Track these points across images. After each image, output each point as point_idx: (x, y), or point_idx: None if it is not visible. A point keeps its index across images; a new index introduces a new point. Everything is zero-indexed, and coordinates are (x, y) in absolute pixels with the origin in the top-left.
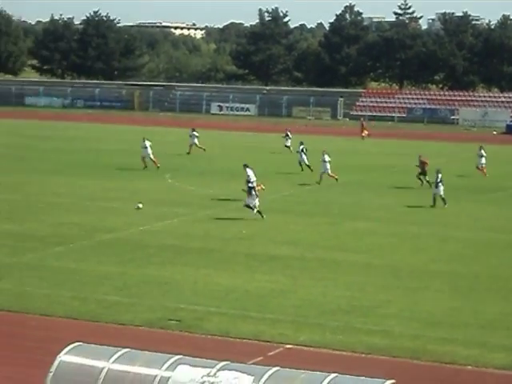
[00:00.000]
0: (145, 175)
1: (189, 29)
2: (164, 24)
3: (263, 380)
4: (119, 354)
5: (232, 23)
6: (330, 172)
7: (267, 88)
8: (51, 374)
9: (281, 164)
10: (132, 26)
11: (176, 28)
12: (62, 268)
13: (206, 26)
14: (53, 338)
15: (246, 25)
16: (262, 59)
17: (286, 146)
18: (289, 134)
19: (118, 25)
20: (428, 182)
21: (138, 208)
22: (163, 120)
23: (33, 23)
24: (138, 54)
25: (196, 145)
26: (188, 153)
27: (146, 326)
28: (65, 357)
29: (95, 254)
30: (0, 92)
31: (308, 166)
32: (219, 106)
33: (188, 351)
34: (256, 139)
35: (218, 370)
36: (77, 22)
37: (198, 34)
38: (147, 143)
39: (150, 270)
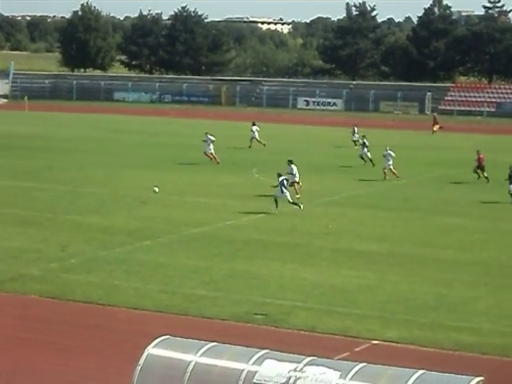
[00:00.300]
0: (232, 170)
1: (276, 24)
2: (251, 19)
3: (350, 376)
4: (206, 347)
5: (319, 18)
6: (392, 168)
7: (354, 83)
8: (139, 367)
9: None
10: (219, 22)
11: (263, 23)
12: (150, 262)
13: (293, 21)
14: (141, 331)
15: (333, 19)
16: (350, 54)
17: (352, 141)
18: (355, 129)
19: (206, 20)
20: (486, 177)
21: (155, 192)
22: (250, 115)
23: (121, 19)
24: (226, 49)
25: (256, 139)
26: (249, 147)
27: (233, 320)
28: (153, 350)
29: (183, 248)
30: (89, 87)
31: (370, 159)
32: (306, 100)
33: (274, 346)
34: (342, 134)
35: (305, 365)
36: (165, 17)
37: (285, 29)
38: (211, 138)
39: (236, 265)
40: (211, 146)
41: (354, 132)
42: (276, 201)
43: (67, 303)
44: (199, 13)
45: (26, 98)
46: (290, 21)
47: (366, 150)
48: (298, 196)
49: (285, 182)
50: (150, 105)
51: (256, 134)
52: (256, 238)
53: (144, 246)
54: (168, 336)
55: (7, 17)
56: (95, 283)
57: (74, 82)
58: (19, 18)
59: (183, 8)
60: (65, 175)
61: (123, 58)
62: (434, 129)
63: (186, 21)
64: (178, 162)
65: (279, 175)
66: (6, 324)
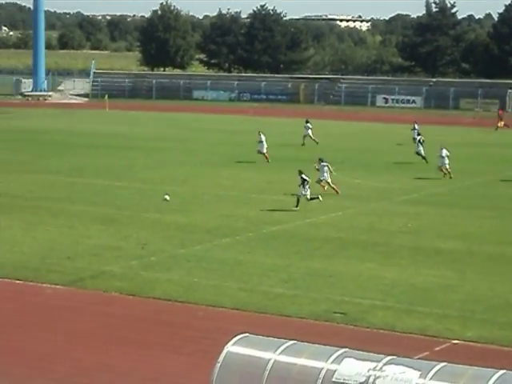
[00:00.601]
0: (309, 168)
1: (354, 21)
2: (330, 17)
3: (430, 375)
4: (285, 345)
5: (398, 15)
6: (447, 166)
7: (434, 80)
8: (219, 365)
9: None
10: (298, 20)
11: (342, 20)
12: (228, 259)
13: (372, 18)
14: (220, 329)
15: (412, 16)
16: (429, 51)
17: (413, 139)
18: (416, 126)
19: (285, 18)
20: None
21: (166, 200)
22: (328, 113)
23: (200, 18)
24: (304, 47)
25: (310, 136)
26: (303, 144)
27: (311, 319)
28: (232, 347)
29: (261, 246)
30: (169, 86)
31: (424, 157)
32: (385, 98)
33: (353, 344)
34: (421, 131)
35: (385, 364)
36: (244, 15)
37: (364, 26)
38: (263, 137)
39: (314, 263)
40: (265, 145)
41: (415, 128)
42: (298, 199)
43: (147, 300)
44: (278, 11)
45: (106, 96)
46: (369, 18)
47: (420, 147)
48: (322, 192)
49: (305, 178)
50: (228, 103)
51: (309, 131)
52: (334, 236)
53: (223, 243)
54: (247, 334)
55: (88, 16)
56: (174, 281)
57: (154, 80)
58: (100, 17)
59: (262, 6)
60: (145, 173)
61: (202, 56)
62: (499, 125)
63: (264, 19)
64: (256, 160)
65: (300, 172)
66: (88, 321)
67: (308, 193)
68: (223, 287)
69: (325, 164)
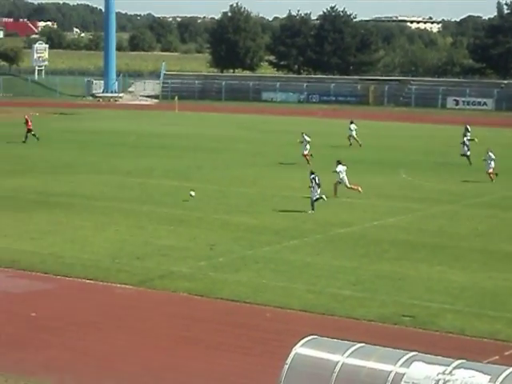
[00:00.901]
0: (379, 170)
1: (425, 22)
2: (400, 18)
3: (500, 380)
4: (354, 348)
5: (469, 16)
6: (492, 170)
7: (505, 82)
8: (287, 366)
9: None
10: (368, 21)
11: (412, 22)
12: (297, 261)
13: (443, 20)
14: (288, 330)
15: (483, 18)
16: (501, 52)
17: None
18: (468, 127)
19: (355, 20)
20: None
21: (191, 196)
22: (398, 115)
23: (270, 19)
24: (374, 48)
25: (354, 137)
26: (350, 145)
27: (379, 321)
28: (300, 349)
29: (329, 248)
30: (238, 87)
31: (467, 156)
32: (455, 100)
33: (422, 348)
34: (492, 134)
35: (454, 368)
36: (314, 17)
37: (435, 28)
38: (307, 139)
39: (383, 265)
40: (307, 147)
41: (467, 131)
42: (312, 203)
43: (215, 301)
44: (348, 12)
45: (176, 98)
46: (440, 19)
47: (466, 148)
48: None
49: (316, 178)
50: (297, 105)
51: (354, 132)
52: (403, 238)
53: (291, 245)
54: (315, 336)
55: (158, 18)
56: (243, 282)
57: (223, 82)
58: (170, 19)
59: (332, 8)
60: (214, 175)
61: (271, 58)
62: None
63: (334, 21)
64: (325, 161)
65: (311, 173)
66: (156, 321)
67: (317, 193)
68: (291, 289)
69: (343, 167)
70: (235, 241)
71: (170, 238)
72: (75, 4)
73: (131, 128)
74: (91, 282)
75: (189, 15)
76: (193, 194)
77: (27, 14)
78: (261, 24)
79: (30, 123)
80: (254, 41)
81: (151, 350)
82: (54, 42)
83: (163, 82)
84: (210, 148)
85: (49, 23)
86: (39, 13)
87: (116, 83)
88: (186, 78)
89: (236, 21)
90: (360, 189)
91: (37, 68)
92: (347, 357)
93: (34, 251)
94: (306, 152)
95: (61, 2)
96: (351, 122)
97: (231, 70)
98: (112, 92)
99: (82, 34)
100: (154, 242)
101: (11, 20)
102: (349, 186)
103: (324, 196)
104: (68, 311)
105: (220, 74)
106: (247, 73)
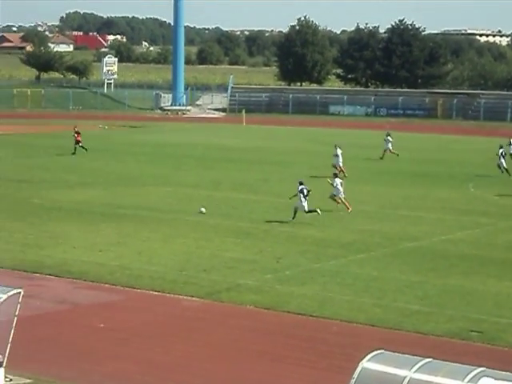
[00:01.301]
0: (448, 184)
1: (494, 36)
2: (469, 31)
3: None
4: (421, 363)
5: None
6: None
7: None
8: (353, 381)
9: None
10: (437, 34)
11: (481, 35)
12: (363, 275)
13: None
14: (354, 344)
15: None
16: None
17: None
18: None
19: (423, 33)
20: None
21: (202, 212)
22: (466, 128)
23: (338, 32)
24: (443, 61)
25: (390, 150)
26: (381, 158)
27: (447, 337)
28: (367, 364)
29: (396, 263)
30: (305, 100)
31: (506, 169)
32: None
33: (490, 363)
34: None
35: None
36: (382, 30)
37: (504, 41)
38: (339, 151)
39: (451, 280)
40: (340, 159)
41: (510, 144)
42: (295, 211)
43: (281, 314)
44: (416, 25)
45: (243, 111)
46: (509, 33)
47: (502, 160)
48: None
49: (304, 191)
50: (364, 118)
51: (389, 144)
52: (472, 253)
53: (357, 259)
54: (382, 350)
55: (226, 31)
56: (309, 295)
57: (290, 95)
58: (238, 32)
59: (400, 21)
60: (280, 187)
61: (339, 71)
62: None
63: (402, 34)
64: (393, 175)
65: (300, 183)
66: (223, 333)
67: (306, 204)
68: (358, 303)
69: (340, 180)
70: (301, 254)
71: (237, 251)
72: (144, 18)
73: (198, 141)
74: (158, 293)
75: (256, 29)
76: (203, 210)
77: (97, 27)
78: (328, 37)
79: (78, 135)
80: (322, 54)
81: (217, 362)
82: (123, 55)
83: (231, 96)
84: (276, 161)
85: (118, 37)
86: (109, 26)
87: (184, 96)
88: (254, 92)
89: (304, 34)
90: (350, 207)
91: (106, 81)
92: (414, 372)
93: (102, 263)
94: (340, 164)
95: (130, 16)
96: (387, 135)
97: (298, 84)
98: (180, 105)
99: (151, 48)
100: (220, 255)
101: (81, 33)
102: (343, 200)
103: (319, 210)
104: (135, 323)
105: (287, 87)
106: (314, 86)
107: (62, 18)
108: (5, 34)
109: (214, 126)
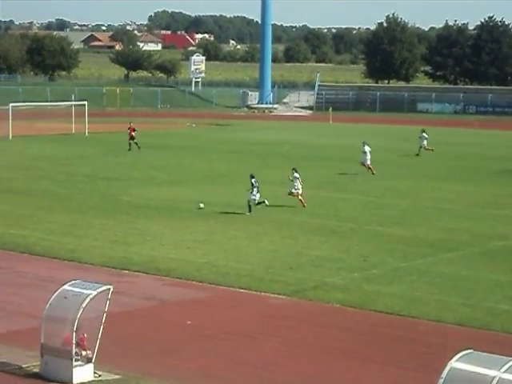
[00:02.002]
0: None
1: None
2: None
3: None
4: (511, 363)
5: None
6: None
7: None
8: (442, 380)
9: None
10: None
11: None
12: (451, 274)
13: None
14: (442, 344)
15: None
16: None
17: None
18: None
19: None
20: None
21: (200, 208)
22: None
23: (426, 29)
24: None
25: (424, 147)
26: (417, 154)
27: None
28: (456, 363)
29: (486, 262)
30: (393, 98)
31: None
32: None
33: None
34: None
35: None
36: (471, 27)
37: None
38: (367, 148)
39: None
40: (368, 156)
41: None
42: (250, 204)
43: (369, 313)
44: (506, 22)
45: (330, 109)
46: None
47: None
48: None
49: (256, 183)
50: (453, 116)
51: (425, 141)
52: None
53: (445, 258)
54: (471, 350)
55: (314, 29)
56: (396, 294)
57: (378, 93)
58: (325, 30)
59: (490, 18)
60: (367, 185)
61: (427, 68)
62: None
63: (492, 30)
64: (481, 173)
65: (252, 177)
66: (309, 332)
67: (257, 197)
68: (446, 302)
69: (297, 176)
70: (389, 252)
71: (323, 249)
72: (232, 16)
73: (285, 139)
74: (245, 291)
75: (344, 26)
76: (202, 205)
77: (185, 26)
78: (417, 34)
79: (133, 131)
80: (410, 51)
81: (304, 360)
82: (211, 53)
83: (317, 93)
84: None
85: (206, 35)
86: (196, 25)
87: (271, 94)
88: (341, 89)
89: (392, 31)
90: (305, 204)
91: (194, 80)
92: (504, 372)
93: (190, 260)
94: (367, 162)
95: (218, 15)
96: (422, 131)
97: (386, 81)
98: (267, 103)
99: (238, 46)
100: (306, 253)
101: (169, 32)
102: (300, 195)
103: (266, 200)
104: (222, 320)
105: (375, 84)
106: (402, 83)
107: (151, 17)
108: (94, 33)
109: (301, 124)
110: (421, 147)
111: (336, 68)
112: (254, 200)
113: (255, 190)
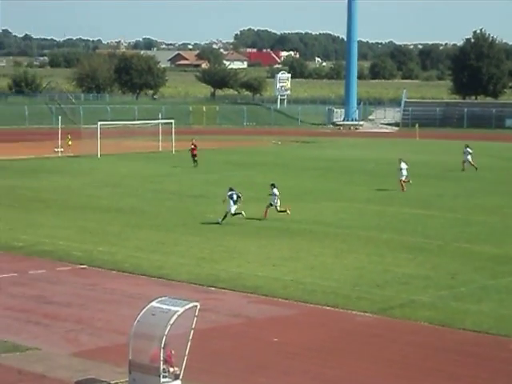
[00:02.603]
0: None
1: None
2: None
3: None
4: None
5: None
6: None
7: None
8: None
9: None
10: None
11: None
12: None
13: None
14: None
15: None
16: None
17: None
18: None
19: None
20: None
21: (240, 215)
22: None
23: None
24: None
25: (469, 162)
26: (462, 170)
27: None
28: None
29: None
30: (480, 114)
31: None
32: None
33: None
34: None
35: None
36: None
37: None
38: (403, 165)
39: None
40: (404, 173)
41: None
42: (226, 214)
43: (456, 331)
44: None
45: (416, 125)
46: None
47: None
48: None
49: (234, 196)
50: None
51: (469, 156)
52: None
53: None
54: None
55: (400, 46)
56: (485, 312)
57: (465, 109)
58: (411, 46)
59: None
60: (455, 203)
61: None
62: None
63: None
64: None
65: (230, 189)
66: (397, 350)
67: (233, 208)
68: None
69: (276, 192)
70: (477, 270)
71: (410, 267)
72: (317, 33)
73: (371, 156)
74: (331, 308)
75: (430, 42)
76: (243, 213)
77: (270, 44)
78: (504, 50)
79: (195, 148)
80: (498, 67)
81: (391, 378)
82: (296, 71)
83: (404, 110)
84: (451, 176)
85: (291, 53)
86: (282, 43)
87: (356, 111)
88: (427, 106)
89: (479, 47)
90: (289, 211)
91: (279, 97)
92: None
93: (276, 277)
94: (402, 178)
95: (303, 32)
96: (466, 146)
97: (473, 97)
98: (352, 120)
99: (324, 63)
100: (393, 270)
101: (255, 50)
102: (279, 209)
103: (243, 212)
104: (308, 337)
105: (462, 100)
106: (490, 99)
107: (237, 35)
108: (181, 52)
109: (387, 141)
110: (464, 162)
111: (422, 84)
112: (230, 210)
113: (231, 201)
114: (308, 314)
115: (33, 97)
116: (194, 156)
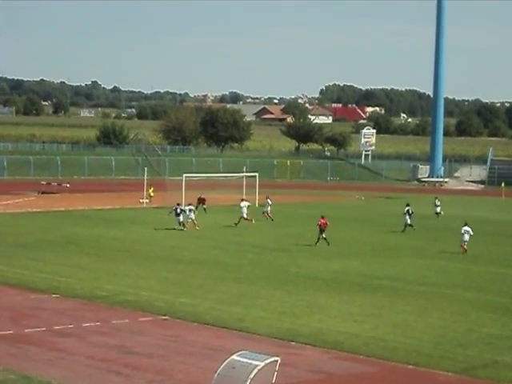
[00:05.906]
0: None
1: None
2: None
3: None
4: None
5: None
6: None
7: None
8: None
9: None
10: None
11: None
12: None
13: None
14: None
15: None
16: None
17: None
18: None
19: None
20: None
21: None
22: None
23: None
24: None
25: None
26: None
27: None
28: None
29: None
30: None
31: None
32: None
33: None
34: None
35: None
36: None
37: None
38: (466, 229)
39: None
40: (437, 209)
41: None
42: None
43: None
44: None
45: (502, 184)
46: None
47: None
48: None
49: (178, 209)
50: None
51: (438, 208)
52: None
53: None
54: None
55: (486, 103)
56: None
57: None
58: (498, 104)
59: None
60: None
61: None
62: None
63: None
64: None
65: (178, 204)
66: None
67: (180, 219)
68: None
69: (245, 204)
70: None
71: (495, 327)
72: (403, 89)
73: (456, 213)
74: (413, 367)
75: None
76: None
77: (355, 99)
78: None
79: (204, 201)
80: None
81: None
82: (381, 126)
83: (490, 168)
84: None
85: (377, 108)
86: (367, 98)
87: (442, 168)
88: None
89: None
90: (253, 220)
91: (364, 152)
92: None
93: (357, 333)
94: (463, 243)
95: (389, 88)
96: (435, 198)
97: None
98: (437, 177)
99: (409, 119)
100: (477, 330)
101: (340, 105)
102: (245, 217)
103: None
104: None
105: None
106: None
107: (322, 90)
108: (266, 106)
109: (472, 199)
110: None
111: (509, 142)
112: (179, 220)
113: (174, 213)
114: (389, 371)
115: (120, 148)
116: (202, 204)
